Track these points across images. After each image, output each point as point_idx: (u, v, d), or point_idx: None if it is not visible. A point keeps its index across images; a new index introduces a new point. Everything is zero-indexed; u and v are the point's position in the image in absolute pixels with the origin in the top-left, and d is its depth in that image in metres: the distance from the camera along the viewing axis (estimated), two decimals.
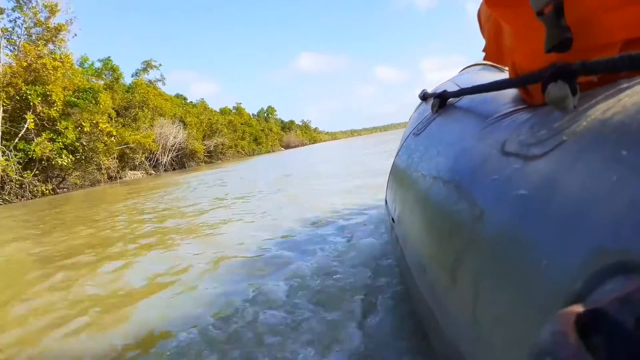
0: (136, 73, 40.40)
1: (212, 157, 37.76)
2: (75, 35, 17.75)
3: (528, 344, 0.29)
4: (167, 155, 28.98)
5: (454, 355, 0.57)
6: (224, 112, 48.86)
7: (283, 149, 63.13)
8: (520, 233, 0.45)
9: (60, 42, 16.35)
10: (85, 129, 16.20)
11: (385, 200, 1.73)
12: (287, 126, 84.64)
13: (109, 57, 32.28)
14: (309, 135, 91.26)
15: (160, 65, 40.24)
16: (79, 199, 10.39)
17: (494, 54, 0.84)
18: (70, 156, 16.09)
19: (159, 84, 40.95)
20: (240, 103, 60.09)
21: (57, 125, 15.45)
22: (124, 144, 21.39)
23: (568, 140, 0.45)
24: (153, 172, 27.49)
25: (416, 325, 1.04)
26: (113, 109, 27.93)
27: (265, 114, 77.76)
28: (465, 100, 1.04)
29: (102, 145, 17.28)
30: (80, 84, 16.96)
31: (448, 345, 0.60)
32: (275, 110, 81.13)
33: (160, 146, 27.69)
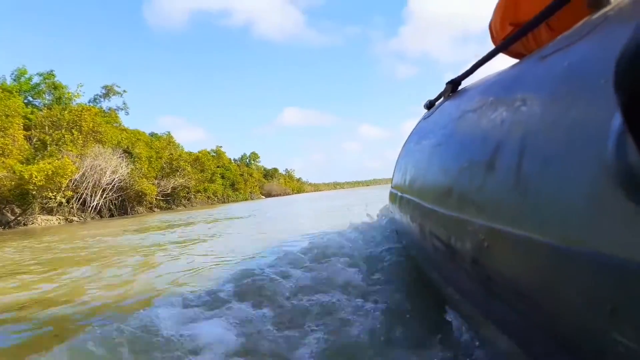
0: (94, 99, 34.03)
1: (171, 202, 30.27)
2: None
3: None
4: (100, 196, 21.35)
5: (490, 233, 0.61)
6: (202, 154, 41.88)
7: (263, 197, 56.55)
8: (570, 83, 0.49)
9: None
10: None
11: (392, 187, 2.25)
12: (270, 174, 78.16)
13: (51, 70, 25.74)
14: (292, 184, 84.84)
15: (124, 91, 33.92)
16: None
17: (510, 9, 1.04)
18: None
19: (122, 113, 34.60)
20: (221, 146, 53.69)
21: None
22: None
23: (611, 14, 0.48)
24: (77, 218, 19.93)
25: None
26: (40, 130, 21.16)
27: (247, 160, 71.56)
28: (477, 82, 1.11)
29: None
30: None
31: (482, 230, 0.64)
32: (259, 157, 75.31)
33: (91, 183, 20.32)
